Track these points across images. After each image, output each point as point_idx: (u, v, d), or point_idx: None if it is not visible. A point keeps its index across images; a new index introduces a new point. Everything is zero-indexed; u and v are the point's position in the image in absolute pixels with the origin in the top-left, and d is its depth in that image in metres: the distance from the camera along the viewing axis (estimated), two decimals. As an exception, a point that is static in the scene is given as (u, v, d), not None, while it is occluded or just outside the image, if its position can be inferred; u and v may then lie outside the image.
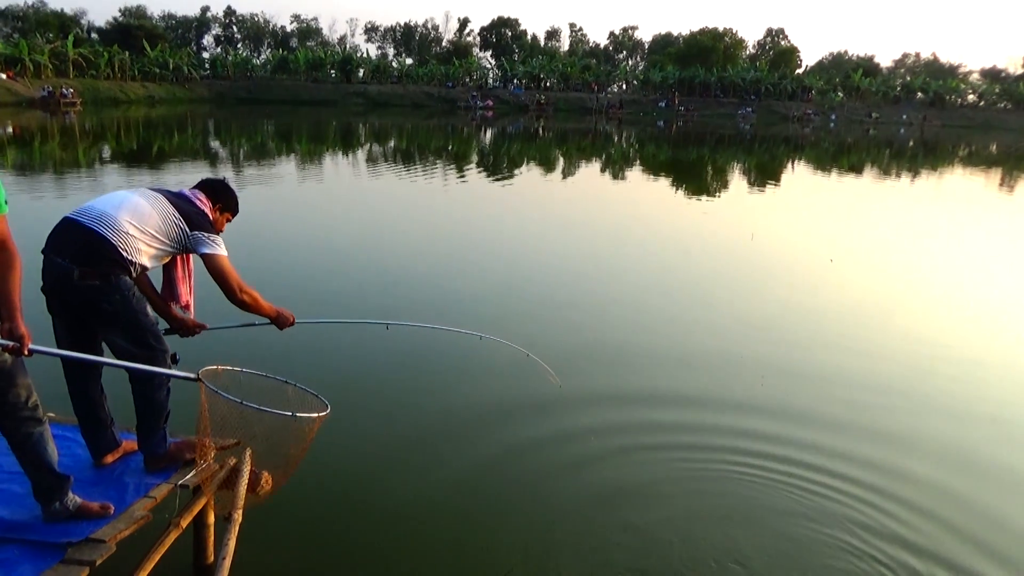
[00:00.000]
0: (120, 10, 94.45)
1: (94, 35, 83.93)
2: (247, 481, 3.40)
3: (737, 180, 26.00)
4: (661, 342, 7.50)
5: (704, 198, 20.33)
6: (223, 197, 3.62)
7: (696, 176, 26.70)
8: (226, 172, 21.70)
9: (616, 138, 48.18)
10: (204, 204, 3.48)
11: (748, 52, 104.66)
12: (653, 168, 29.21)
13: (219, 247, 3.33)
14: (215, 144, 33.03)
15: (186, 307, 3.61)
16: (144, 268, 3.26)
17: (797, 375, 6.72)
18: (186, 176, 19.20)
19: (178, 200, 3.37)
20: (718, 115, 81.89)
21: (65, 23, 79.53)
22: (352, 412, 5.43)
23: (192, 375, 3.15)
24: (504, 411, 5.69)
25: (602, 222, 15.45)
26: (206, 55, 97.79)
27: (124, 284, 3.18)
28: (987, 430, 5.78)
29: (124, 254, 3.12)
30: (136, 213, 3.18)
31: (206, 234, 3.32)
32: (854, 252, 12.55)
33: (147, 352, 3.26)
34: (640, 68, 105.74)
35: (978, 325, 8.64)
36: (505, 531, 4.24)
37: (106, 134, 35.37)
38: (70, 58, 66.52)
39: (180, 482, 3.25)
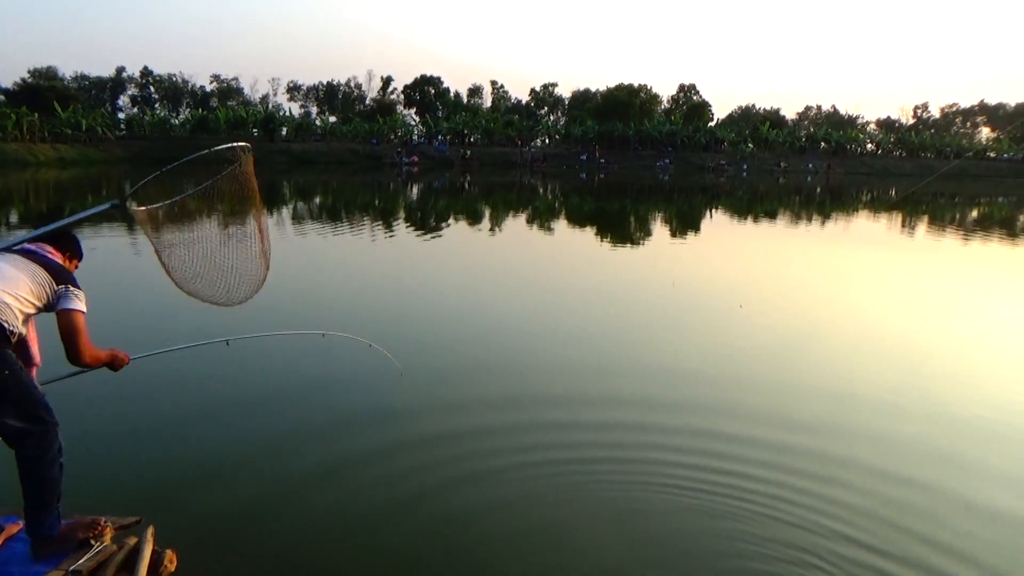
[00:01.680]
0: (29, 71, 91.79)
1: (0, 96, 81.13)
2: (148, 562, 3.18)
3: (659, 229, 26.75)
4: (580, 380, 7.53)
5: (628, 246, 20.80)
6: (70, 245, 3.47)
7: (620, 226, 27.35)
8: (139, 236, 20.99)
9: (541, 190, 49.06)
10: (55, 255, 3.31)
11: (663, 106, 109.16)
12: (578, 219, 29.82)
13: (82, 302, 3.17)
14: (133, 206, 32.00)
15: (36, 367, 3.40)
16: (21, 336, 3.07)
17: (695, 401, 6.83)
18: (105, 240, 18.50)
19: (33, 256, 3.20)
20: (638, 167, 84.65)
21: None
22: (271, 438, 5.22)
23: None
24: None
25: (528, 272, 15.57)
26: (122, 115, 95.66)
27: (10, 358, 3.00)
28: (909, 457, 5.96)
29: (5, 326, 2.94)
30: (5, 279, 3.01)
31: (74, 289, 3.17)
32: (766, 296, 13.02)
33: (40, 427, 3.07)
34: (561, 123, 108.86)
35: (880, 362, 8.98)
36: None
37: (13, 198, 33.87)
38: (-28, 118, 63.93)
39: (71, 567, 3.02)
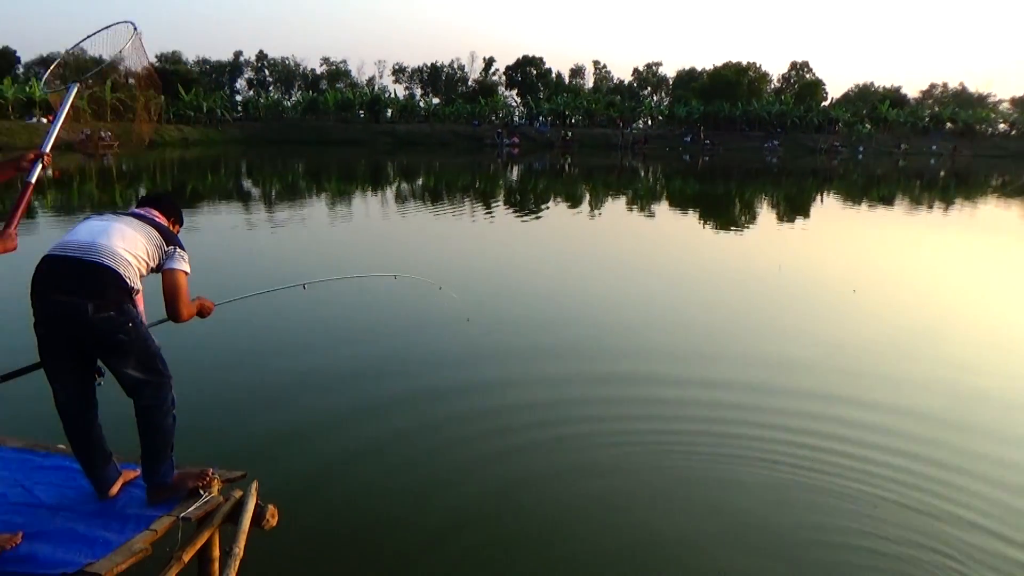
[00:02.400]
0: (156, 56, 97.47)
1: (131, 80, 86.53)
2: (251, 515, 3.31)
3: (766, 213, 25.78)
4: (684, 368, 7.33)
5: (732, 231, 20.16)
6: (174, 211, 3.62)
7: (724, 209, 26.53)
8: (260, 211, 22.06)
9: (642, 173, 48.23)
10: (162, 219, 3.46)
11: (773, 85, 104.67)
12: (680, 202, 29.10)
13: (187, 264, 3.31)
14: (247, 184, 33.63)
15: None
16: (138, 292, 3.23)
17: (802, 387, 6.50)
18: (221, 217, 19.56)
19: (145, 219, 3.34)
20: (744, 149, 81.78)
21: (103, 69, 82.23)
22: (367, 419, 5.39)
23: None
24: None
25: (629, 255, 15.32)
26: (239, 98, 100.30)
27: (133, 312, 3.16)
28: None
29: (128, 282, 3.10)
30: (125, 238, 3.16)
31: (180, 251, 3.30)
32: (881, 283, 12.28)
33: (157, 378, 3.23)
34: (665, 103, 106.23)
35: (1008, 356, 8.31)
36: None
37: (142, 175, 36.22)
38: (108, 102, 68.49)
39: (182, 514, 3.17)
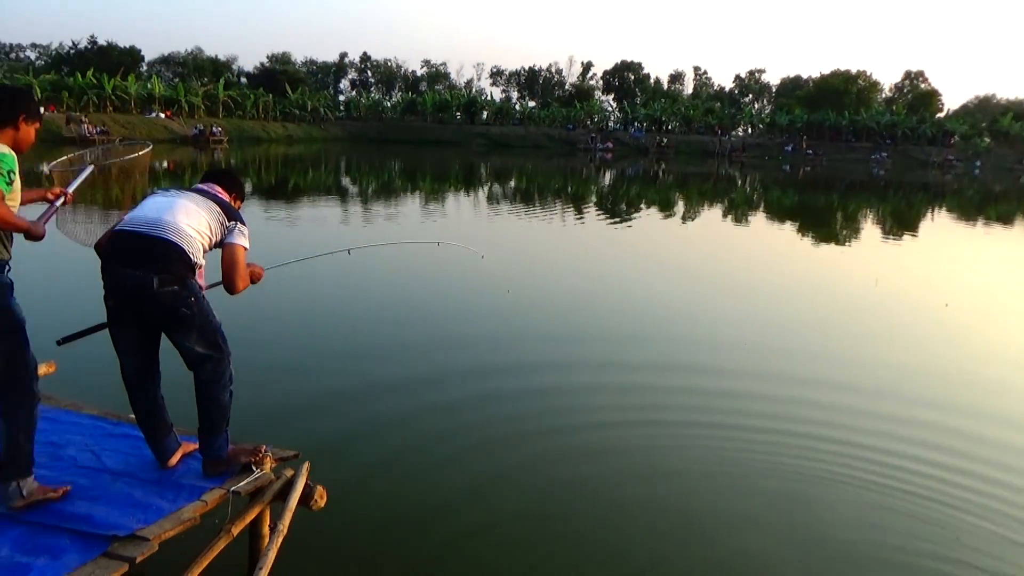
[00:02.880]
0: (267, 56, 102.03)
1: (243, 79, 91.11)
2: (299, 494, 3.33)
3: (869, 227, 24.52)
4: (761, 377, 7.01)
5: (831, 244, 19.29)
6: (236, 187, 3.69)
7: (823, 222, 25.42)
8: (356, 206, 22.70)
9: (739, 182, 46.85)
10: (224, 195, 3.53)
11: (883, 95, 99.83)
12: (777, 213, 28.03)
13: (247, 239, 3.38)
14: (345, 181, 34.66)
15: None
16: (201, 266, 3.30)
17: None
18: (320, 210, 20.23)
19: (207, 195, 3.42)
20: (849, 160, 78.27)
21: (218, 68, 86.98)
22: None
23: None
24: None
25: (717, 262, 14.87)
26: (342, 98, 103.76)
27: (196, 287, 3.25)
28: None
29: (192, 257, 3.19)
30: (189, 214, 3.24)
31: (241, 226, 3.37)
32: (981, 302, 11.49)
33: (217, 353, 3.31)
34: (766, 111, 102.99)
35: None
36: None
37: (248, 169, 37.91)
38: (220, 100, 72.42)
39: (233, 488, 3.23)
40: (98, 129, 52.75)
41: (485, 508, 4.51)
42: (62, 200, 3.46)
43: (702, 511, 4.67)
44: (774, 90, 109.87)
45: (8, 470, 2.97)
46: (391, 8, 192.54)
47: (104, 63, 69.09)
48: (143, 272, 3.07)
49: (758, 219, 25.37)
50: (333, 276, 10.44)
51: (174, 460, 3.42)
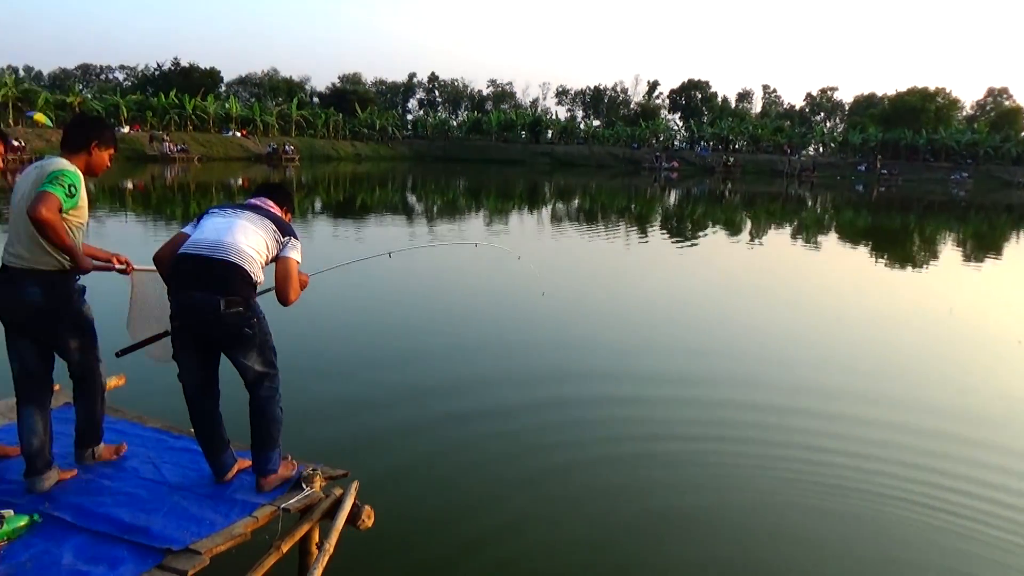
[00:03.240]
0: (339, 77, 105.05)
1: (315, 99, 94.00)
2: (347, 513, 3.36)
3: (947, 251, 23.53)
4: (822, 400, 6.77)
5: (906, 268, 18.58)
6: (287, 200, 3.75)
7: (898, 245, 24.52)
8: (421, 226, 23.07)
9: (809, 202, 45.66)
10: (276, 209, 3.60)
11: (964, 112, 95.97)
12: (850, 235, 27.16)
13: (299, 252, 3.45)
14: (412, 198, 35.28)
15: None
16: (260, 283, 3.38)
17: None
18: (385, 229, 20.62)
19: (261, 211, 3.49)
20: (926, 180, 75.32)
21: (292, 88, 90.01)
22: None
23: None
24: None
25: (783, 285, 14.50)
26: (409, 117, 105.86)
27: (258, 307, 3.34)
28: None
29: (253, 277, 3.28)
30: (248, 235, 3.32)
31: (294, 240, 3.44)
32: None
33: (272, 370, 3.41)
34: (839, 130, 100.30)
35: None
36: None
37: (318, 187, 39.02)
38: (293, 119, 74.90)
39: (283, 505, 3.29)
40: (179, 147, 55.18)
41: (538, 538, 4.46)
42: (121, 268, 3.78)
43: (753, 527, 4.64)
44: (847, 108, 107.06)
45: (86, 438, 3.59)
46: (460, 29, 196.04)
47: (186, 84, 72.36)
48: (209, 294, 3.18)
49: (829, 240, 24.64)
50: (396, 281, 10.86)
51: (230, 475, 3.51)
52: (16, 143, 36.35)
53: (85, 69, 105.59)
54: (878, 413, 6.80)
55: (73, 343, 3.37)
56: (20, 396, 3.37)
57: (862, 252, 22.10)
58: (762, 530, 4.68)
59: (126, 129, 56.57)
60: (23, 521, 3.01)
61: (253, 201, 3.62)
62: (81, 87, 76.41)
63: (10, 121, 51.66)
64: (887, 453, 5.85)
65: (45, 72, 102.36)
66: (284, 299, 3.37)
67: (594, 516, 4.74)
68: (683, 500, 5.01)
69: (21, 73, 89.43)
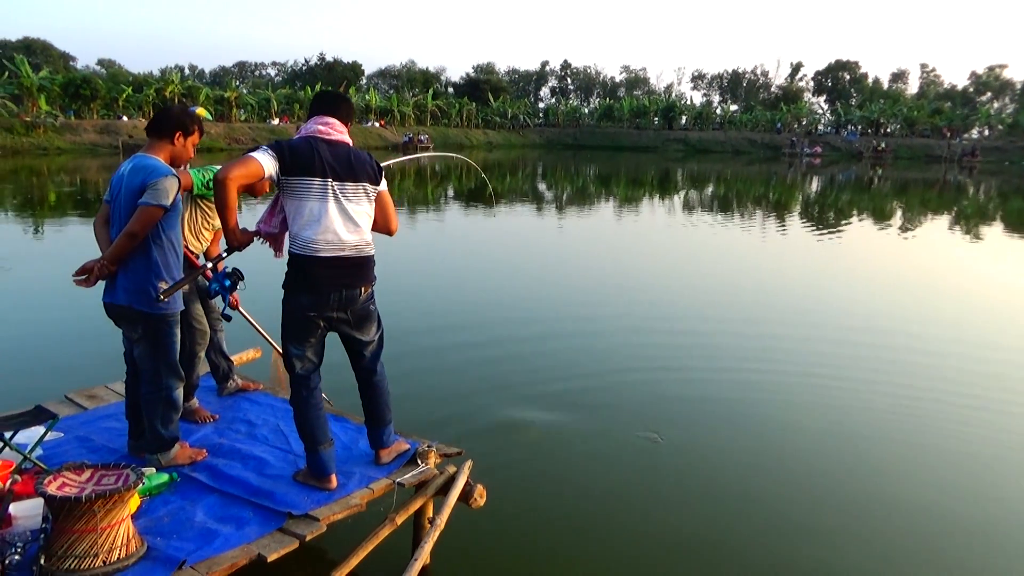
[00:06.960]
0: (473, 67, 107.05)
1: (450, 89, 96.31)
2: (460, 490, 3.39)
3: None
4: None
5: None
6: (351, 111, 3.47)
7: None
8: (551, 214, 23.14)
9: (971, 190, 41.88)
10: (349, 137, 3.35)
11: None
12: (1018, 226, 24.69)
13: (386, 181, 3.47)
14: (541, 186, 35.44)
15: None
16: None
17: None
18: (515, 218, 20.83)
19: (354, 161, 3.27)
20: (1115, 165, 67.23)
21: (428, 79, 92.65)
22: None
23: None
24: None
25: (945, 281, 13.39)
26: (541, 105, 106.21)
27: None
28: None
29: (372, 257, 3.38)
30: (365, 218, 3.32)
31: (383, 176, 3.43)
32: None
33: (381, 343, 3.55)
34: (1008, 111, 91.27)
35: None
36: None
37: (451, 175, 39.97)
38: (428, 109, 77.10)
39: (398, 479, 3.37)
40: (323, 138, 57.96)
41: (654, 526, 4.34)
42: (205, 269, 3.64)
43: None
44: (1018, 87, 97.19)
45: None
46: (593, 15, 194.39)
47: (331, 78, 76.17)
48: (353, 289, 3.28)
49: (993, 231, 22.51)
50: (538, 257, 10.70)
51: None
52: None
53: (242, 66, 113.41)
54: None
55: None
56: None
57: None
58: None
59: (276, 121, 60.29)
60: (163, 479, 3.25)
61: (327, 136, 3.26)
62: (237, 83, 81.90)
63: (176, 115, 56.24)
64: None
65: (207, 70, 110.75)
66: (392, 232, 3.53)
67: (696, 512, 4.55)
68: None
69: (186, 71, 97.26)
